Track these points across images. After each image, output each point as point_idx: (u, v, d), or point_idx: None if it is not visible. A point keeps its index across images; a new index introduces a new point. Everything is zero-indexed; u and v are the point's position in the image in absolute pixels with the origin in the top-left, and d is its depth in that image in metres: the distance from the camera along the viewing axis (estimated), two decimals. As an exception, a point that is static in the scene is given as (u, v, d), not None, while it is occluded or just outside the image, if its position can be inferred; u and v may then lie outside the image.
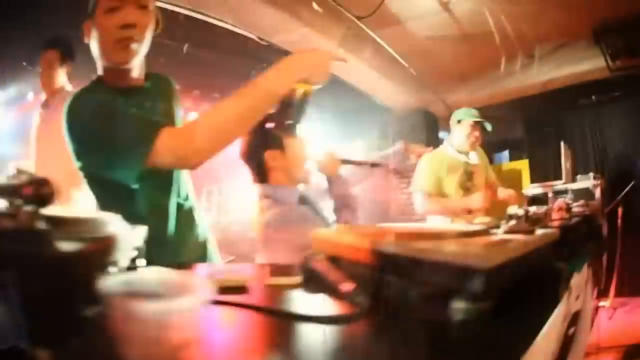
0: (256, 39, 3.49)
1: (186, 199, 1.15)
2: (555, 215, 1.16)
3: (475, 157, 2.33)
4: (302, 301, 0.59)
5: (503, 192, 2.17)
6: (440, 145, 2.45)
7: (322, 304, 0.56)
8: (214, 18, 3.21)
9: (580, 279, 0.87)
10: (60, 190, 0.40)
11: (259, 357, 0.40)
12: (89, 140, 0.90)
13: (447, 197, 2.18)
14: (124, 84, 1.02)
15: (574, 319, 0.82)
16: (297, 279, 0.64)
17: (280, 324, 0.49)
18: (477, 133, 2.25)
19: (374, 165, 1.35)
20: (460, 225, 0.71)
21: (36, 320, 0.32)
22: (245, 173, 1.38)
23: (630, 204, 3.61)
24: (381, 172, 4.54)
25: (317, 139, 1.51)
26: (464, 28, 3.41)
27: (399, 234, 0.54)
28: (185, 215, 1.13)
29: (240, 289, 0.61)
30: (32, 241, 0.34)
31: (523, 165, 4.98)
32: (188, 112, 3.75)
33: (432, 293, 0.44)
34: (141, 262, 0.59)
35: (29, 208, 0.37)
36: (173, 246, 1.06)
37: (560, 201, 1.17)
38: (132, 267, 0.54)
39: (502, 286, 0.44)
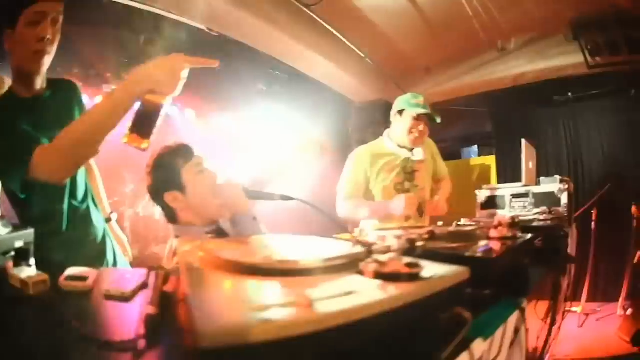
0: (206, 30, 3.31)
1: (82, 201, 1.26)
2: (493, 233, 0.92)
3: (421, 154, 1.96)
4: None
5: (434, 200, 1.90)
6: (377, 139, 2.06)
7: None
8: (162, 10, 3.04)
9: (495, 342, 0.62)
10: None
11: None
12: None
13: (374, 199, 1.88)
14: (27, 93, 1.12)
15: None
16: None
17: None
18: (421, 127, 1.88)
19: (283, 198, 1.19)
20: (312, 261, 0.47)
21: None
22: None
23: (605, 207, 3.47)
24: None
25: (225, 172, 1.32)
26: (429, 18, 3.23)
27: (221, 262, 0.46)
28: (81, 217, 1.24)
29: (124, 299, 0.68)
30: None
31: (493, 161, 4.78)
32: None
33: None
34: (31, 261, 0.72)
35: None
36: (67, 246, 1.15)
37: (501, 216, 0.93)
38: (18, 265, 0.67)
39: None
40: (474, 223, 1.18)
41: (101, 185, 1.59)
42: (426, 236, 0.90)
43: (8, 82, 1.29)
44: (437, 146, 2.17)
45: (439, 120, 1.90)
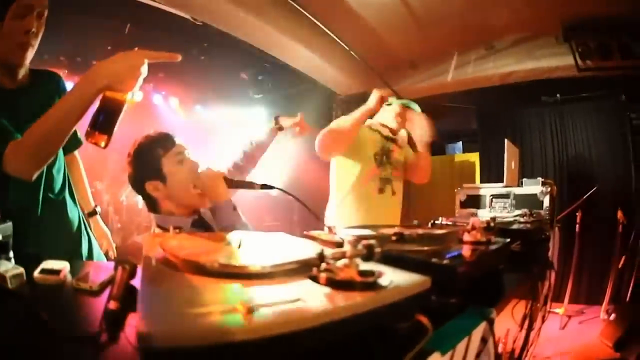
0: (190, 19, 3.24)
1: (58, 193, 1.28)
2: (466, 237, 0.86)
3: (403, 138, 2.28)
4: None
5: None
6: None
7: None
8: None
9: (457, 355, 0.56)
10: None
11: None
12: None
13: (359, 166, 2.06)
14: (10, 85, 1.15)
15: None
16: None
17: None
18: (400, 118, 2.17)
19: (264, 187, 1.20)
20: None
21: None
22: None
23: (590, 210, 3.46)
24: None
25: (205, 161, 1.32)
26: (416, 12, 3.17)
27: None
28: (55, 209, 1.26)
29: (92, 292, 0.70)
30: None
31: (477, 158, 4.77)
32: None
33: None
34: (10, 254, 0.77)
35: None
36: (40, 238, 1.18)
37: (476, 219, 0.87)
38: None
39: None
40: (450, 223, 1.13)
41: (85, 179, 1.60)
42: (394, 238, 0.84)
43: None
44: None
45: (418, 109, 2.13)
